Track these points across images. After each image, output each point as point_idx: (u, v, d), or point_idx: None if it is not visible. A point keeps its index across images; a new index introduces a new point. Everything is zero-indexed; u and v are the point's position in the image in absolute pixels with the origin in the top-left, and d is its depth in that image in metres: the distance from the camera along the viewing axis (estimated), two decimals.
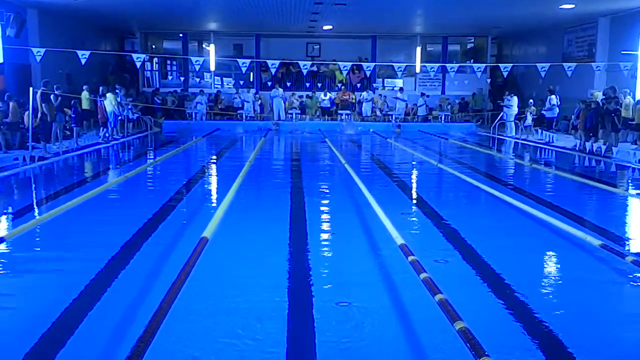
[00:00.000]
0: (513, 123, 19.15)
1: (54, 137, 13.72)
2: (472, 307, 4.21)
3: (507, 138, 18.65)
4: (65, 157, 12.72)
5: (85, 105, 16.24)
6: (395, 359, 3.57)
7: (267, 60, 19.56)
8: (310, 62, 21.40)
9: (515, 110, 19.22)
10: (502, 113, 20.24)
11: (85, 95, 16.35)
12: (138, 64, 18.19)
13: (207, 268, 4.91)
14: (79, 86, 16.99)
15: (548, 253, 6.00)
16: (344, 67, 19.76)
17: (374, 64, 20.88)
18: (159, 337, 3.34)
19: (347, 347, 3.65)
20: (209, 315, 4.11)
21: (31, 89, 11.79)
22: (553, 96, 18.16)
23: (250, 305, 4.28)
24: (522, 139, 17.77)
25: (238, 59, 19.62)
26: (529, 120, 18.73)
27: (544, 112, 18.85)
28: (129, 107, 18.90)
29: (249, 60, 19.53)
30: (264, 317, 4.06)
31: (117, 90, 17.43)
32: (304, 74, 21.18)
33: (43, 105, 12.13)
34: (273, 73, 20.46)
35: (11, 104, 12.70)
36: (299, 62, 19.82)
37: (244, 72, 20.01)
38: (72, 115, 14.70)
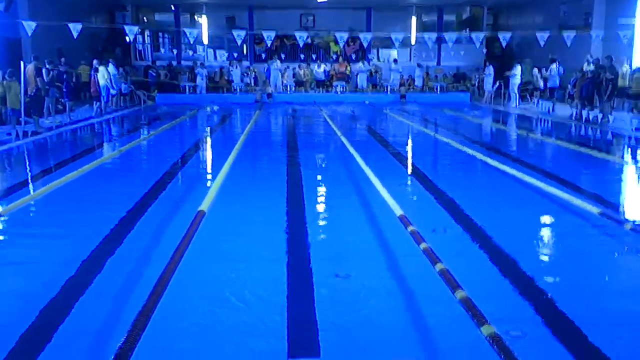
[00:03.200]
0: (517, 93, 19.05)
1: (46, 111, 13.57)
2: (472, 276, 4.20)
3: (503, 108, 18.58)
4: (58, 131, 12.59)
5: (85, 78, 16.01)
6: (396, 329, 3.56)
7: (262, 32, 19.28)
8: (306, 34, 21.08)
9: (518, 80, 19.09)
10: (497, 83, 20.16)
11: (84, 69, 16.10)
12: (130, 37, 17.89)
13: (205, 241, 4.87)
14: (71, 60, 16.72)
15: (546, 221, 5.99)
16: (341, 37, 19.51)
17: (370, 34, 20.63)
18: (159, 310, 3.31)
19: (348, 319, 3.64)
20: (207, 287, 4.10)
21: (22, 63, 11.58)
22: (554, 65, 18.00)
23: (249, 277, 4.26)
24: (523, 109, 17.74)
25: (233, 31, 19.31)
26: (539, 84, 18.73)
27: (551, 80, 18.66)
28: (123, 80, 18.68)
29: (244, 32, 19.23)
30: (263, 289, 4.04)
31: (110, 64, 17.21)
32: (300, 45, 20.93)
33: (37, 79, 11.92)
34: (269, 45, 20.21)
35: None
36: (295, 32, 19.56)
37: (239, 44, 19.70)
38: (64, 90, 14.51)
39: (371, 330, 3.52)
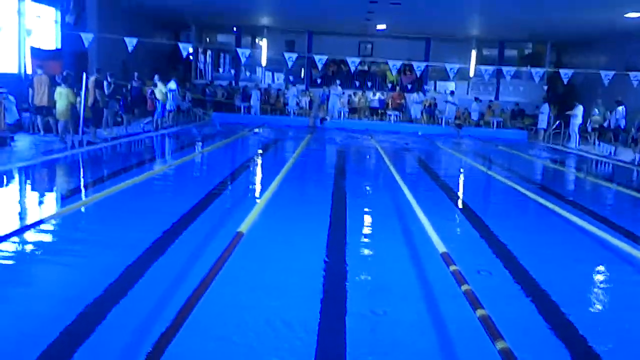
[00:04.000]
0: (577, 134, 18.46)
1: (104, 123, 13.98)
2: (515, 325, 3.93)
3: (562, 148, 17.97)
4: (113, 143, 12.92)
5: (159, 96, 16.41)
6: None
7: (314, 56, 19.42)
8: (360, 59, 21.10)
9: (579, 120, 18.50)
10: (557, 122, 19.57)
11: (161, 88, 16.54)
12: (184, 53, 18.34)
13: (240, 265, 4.78)
14: (135, 75, 17.28)
15: (600, 272, 5.62)
16: (394, 65, 19.39)
17: (425, 63, 20.44)
18: (185, 330, 3.22)
19: (380, 357, 3.44)
20: (233, 314, 3.98)
21: (85, 74, 12.00)
22: (621, 107, 17.30)
23: (280, 307, 4.11)
24: (580, 150, 17.10)
25: (285, 53, 19.51)
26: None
27: (615, 123, 17.91)
28: (185, 97, 19.13)
29: (296, 54, 19.39)
30: (294, 320, 3.89)
31: (172, 81, 17.69)
32: (352, 70, 20.97)
33: (96, 91, 12.30)
34: (320, 68, 20.34)
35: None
36: (347, 58, 19.60)
37: (290, 66, 19.89)
38: (122, 103, 14.95)
39: None
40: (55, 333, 3.46)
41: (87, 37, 15.29)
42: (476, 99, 22.95)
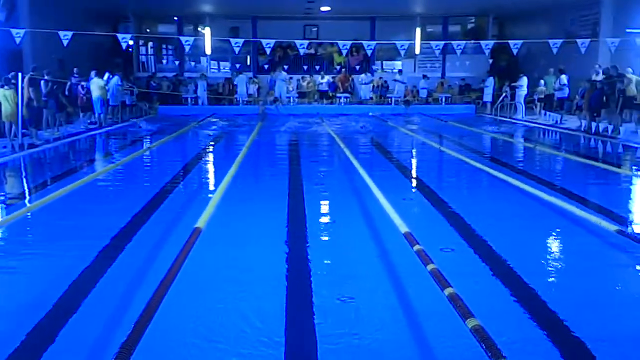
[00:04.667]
0: (523, 105, 18.85)
1: (44, 123, 13.38)
2: (482, 300, 3.93)
3: (509, 119, 18.32)
4: (55, 144, 12.38)
5: (98, 92, 15.74)
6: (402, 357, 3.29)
7: (261, 40, 19.09)
8: (307, 42, 20.88)
9: (524, 91, 18.94)
10: (503, 94, 19.94)
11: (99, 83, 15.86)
12: (124, 45, 17.69)
13: (201, 259, 4.61)
14: (71, 71, 16.58)
15: (558, 238, 5.72)
16: (344, 45, 19.24)
17: (374, 42, 20.38)
18: (150, 330, 3.11)
19: (349, 346, 3.37)
20: (201, 309, 3.84)
21: (20, 74, 11.40)
22: (563, 76, 17.71)
23: (245, 299, 3.99)
24: (527, 120, 17.48)
25: (231, 39, 19.09)
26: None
27: (555, 92, 18.36)
28: (127, 92, 18.53)
29: (242, 40, 19.00)
30: (260, 312, 3.77)
31: (116, 75, 17.08)
32: (301, 54, 20.75)
33: (30, 90, 11.68)
34: (268, 53, 20.05)
35: None
36: (295, 41, 19.36)
37: (237, 52, 19.49)
38: (53, 102, 14.30)
39: (372, 358, 3.26)
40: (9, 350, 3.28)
41: (18, 34, 14.53)
42: (424, 76, 23.15)
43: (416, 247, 4.55)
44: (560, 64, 18.09)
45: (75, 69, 16.12)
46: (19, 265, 4.81)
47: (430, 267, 4.08)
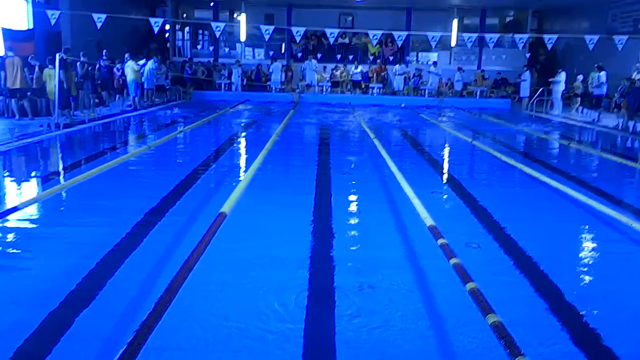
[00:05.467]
0: (560, 101, 18.44)
1: (81, 104, 13.64)
2: (505, 296, 3.88)
3: (546, 116, 17.95)
4: (90, 125, 12.62)
5: (132, 75, 15.98)
6: (418, 352, 3.27)
7: (291, 28, 19.05)
8: (338, 31, 20.77)
9: (562, 86, 18.49)
10: (540, 89, 19.53)
11: (133, 66, 16.07)
12: (156, 29, 17.85)
13: (224, 245, 4.65)
14: (110, 54, 16.83)
15: (588, 239, 5.59)
16: (374, 36, 19.08)
17: (405, 32, 20.17)
18: (168, 314, 3.14)
19: (367, 336, 3.36)
20: (221, 292, 3.89)
21: (57, 55, 11.64)
22: (602, 73, 17.24)
23: (266, 286, 4.01)
24: (564, 117, 17.09)
25: (261, 26, 19.11)
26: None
27: (593, 89, 17.91)
28: (164, 76, 18.75)
29: (273, 27, 18.99)
30: (281, 299, 3.78)
31: (152, 60, 17.29)
32: (331, 42, 20.66)
33: (60, 72, 11.94)
34: (297, 41, 20.00)
35: (36, 70, 12.61)
36: (327, 29, 19.27)
37: (267, 39, 19.50)
38: (99, 83, 14.59)
39: (390, 350, 3.24)
40: (43, 316, 3.44)
41: (53, 15, 14.80)
42: (459, 69, 22.84)
43: (440, 240, 4.50)
44: (599, 60, 17.62)
45: (104, 51, 16.31)
46: (53, 236, 4.96)
47: (453, 261, 4.03)
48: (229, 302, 3.75)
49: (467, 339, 3.36)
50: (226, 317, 3.55)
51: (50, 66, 11.85)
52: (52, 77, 11.82)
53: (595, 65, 17.48)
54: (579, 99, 18.56)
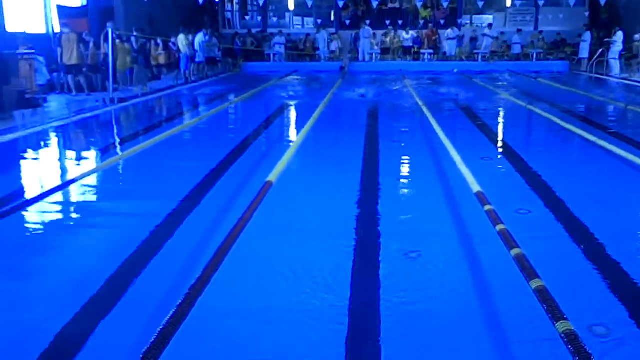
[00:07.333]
0: (617, 61, 17.57)
1: (136, 80, 13.98)
2: (552, 264, 3.80)
3: (606, 77, 17.15)
4: (145, 99, 12.94)
5: (182, 48, 16.23)
6: (465, 317, 3.26)
7: None
8: None
9: (620, 46, 17.58)
10: (600, 50, 18.63)
11: (183, 40, 16.29)
12: (200, 0, 17.92)
13: (270, 214, 4.73)
14: (162, 29, 17.13)
15: None
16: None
17: None
18: (218, 275, 3.26)
19: (413, 302, 3.38)
20: (265, 263, 3.95)
21: (110, 30, 11.92)
22: None
23: (311, 253, 4.07)
24: (624, 79, 16.29)
25: None
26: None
27: None
28: (216, 48, 18.93)
29: None
30: (326, 266, 3.84)
31: (201, 32, 17.46)
32: (374, 6, 20.25)
33: (105, 45, 12.16)
34: (340, 7, 19.71)
35: (91, 46, 12.96)
36: None
37: (309, 6, 19.29)
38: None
39: (435, 317, 3.25)
40: (100, 282, 3.60)
41: None
42: (518, 30, 21.93)
43: (487, 207, 4.43)
44: None
45: (133, 28, 16.26)
46: (107, 210, 5.19)
47: (499, 227, 3.97)
48: (273, 269, 3.82)
49: (513, 306, 3.32)
50: (269, 282, 3.63)
51: (117, 40, 12.24)
52: (122, 51, 12.20)
53: None
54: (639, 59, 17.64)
